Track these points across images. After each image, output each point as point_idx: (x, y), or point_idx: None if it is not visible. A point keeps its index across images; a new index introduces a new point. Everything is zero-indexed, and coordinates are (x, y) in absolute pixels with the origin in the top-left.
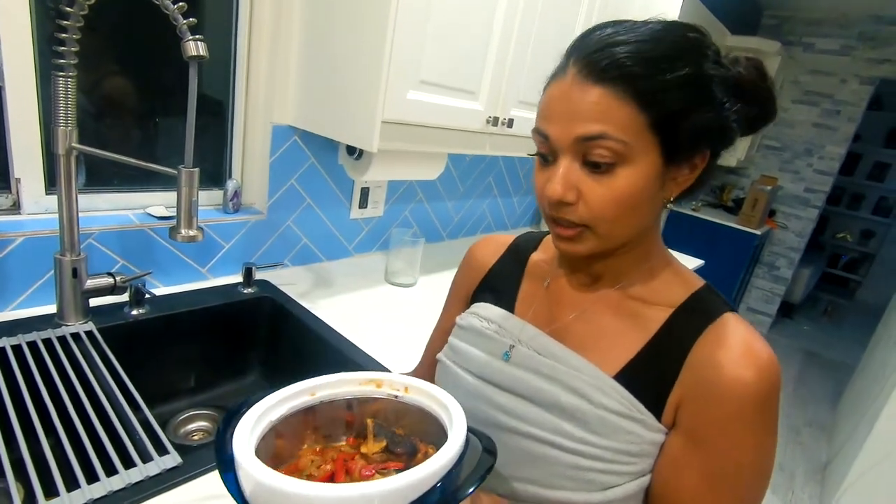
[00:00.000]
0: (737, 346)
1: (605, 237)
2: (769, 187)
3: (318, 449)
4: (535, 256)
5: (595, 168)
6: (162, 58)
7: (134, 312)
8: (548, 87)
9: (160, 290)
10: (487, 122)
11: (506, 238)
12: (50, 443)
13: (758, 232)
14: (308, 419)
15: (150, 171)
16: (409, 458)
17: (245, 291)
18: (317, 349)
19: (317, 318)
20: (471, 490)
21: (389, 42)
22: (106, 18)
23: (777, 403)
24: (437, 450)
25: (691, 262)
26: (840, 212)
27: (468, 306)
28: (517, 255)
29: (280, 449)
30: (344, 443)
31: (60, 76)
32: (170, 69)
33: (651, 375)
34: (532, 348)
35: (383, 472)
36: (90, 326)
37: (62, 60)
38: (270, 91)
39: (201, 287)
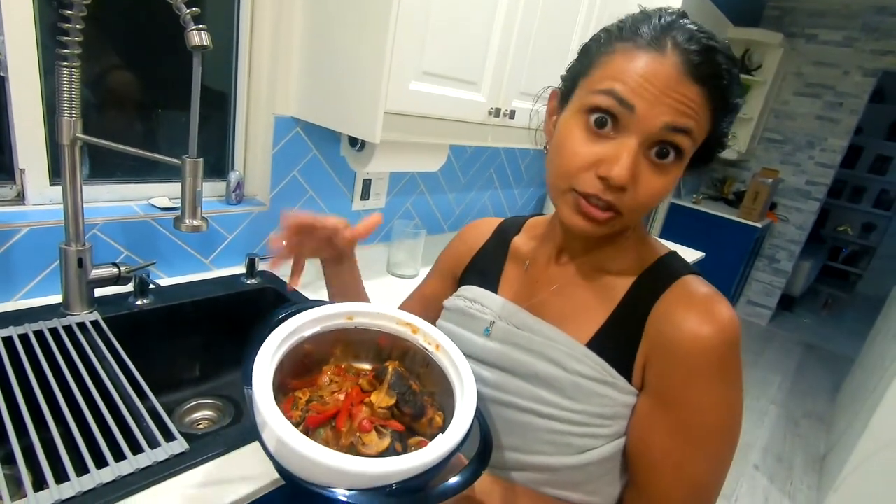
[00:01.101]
0: (694, 304)
1: (627, 223)
2: (770, 180)
3: (342, 367)
4: (518, 240)
5: (660, 159)
6: (165, 48)
7: (139, 302)
8: (621, 51)
9: (164, 281)
10: (489, 113)
11: (494, 221)
12: (59, 430)
13: (759, 225)
14: (341, 336)
15: (153, 161)
16: (414, 420)
17: (248, 282)
18: None
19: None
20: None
21: (392, 32)
22: (109, 8)
23: (738, 359)
24: (444, 418)
25: (692, 255)
26: (841, 205)
27: (456, 286)
28: (502, 239)
29: (306, 359)
30: (369, 368)
31: (64, 66)
32: (173, 60)
33: (619, 340)
34: (511, 323)
35: (380, 430)
36: (95, 316)
37: (66, 50)
38: (272, 82)
39: (205, 278)
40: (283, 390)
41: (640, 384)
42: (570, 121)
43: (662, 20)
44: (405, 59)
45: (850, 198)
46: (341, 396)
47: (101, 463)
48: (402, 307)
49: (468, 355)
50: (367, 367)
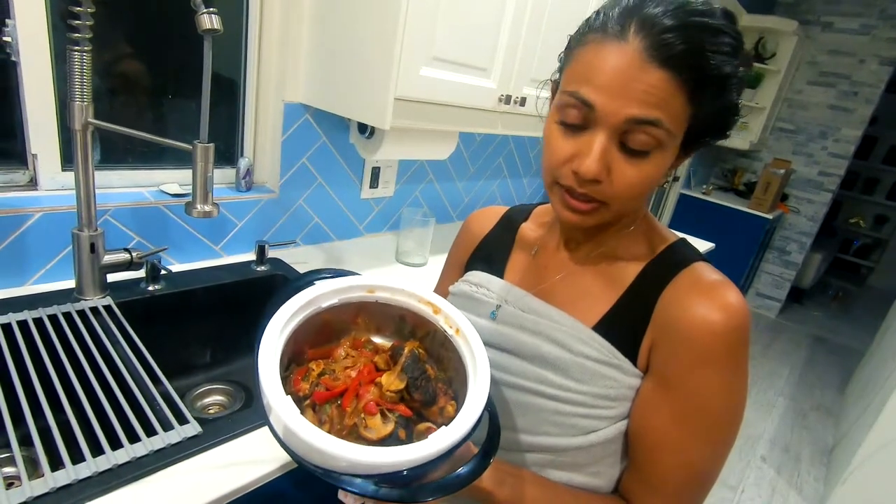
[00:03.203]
0: (705, 289)
1: (616, 213)
2: (782, 171)
3: (361, 340)
4: (526, 227)
5: (631, 150)
6: (176, 34)
7: (150, 288)
8: (591, 43)
9: (175, 267)
10: (500, 100)
11: (500, 209)
12: (74, 412)
13: (769, 216)
14: (363, 307)
15: (164, 147)
16: (424, 406)
17: (258, 269)
18: None
19: None
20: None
21: (403, 16)
22: None
23: (746, 347)
24: (456, 407)
25: (701, 246)
26: (854, 196)
27: (462, 274)
28: (509, 226)
29: (326, 328)
30: (388, 345)
31: (76, 51)
32: (184, 46)
33: (626, 323)
34: (517, 307)
35: (385, 414)
36: (108, 301)
37: (77, 35)
38: (282, 68)
39: (215, 264)
40: (298, 359)
41: (645, 367)
42: (551, 116)
43: (630, 3)
44: (415, 44)
45: (864, 189)
46: (353, 373)
47: (115, 445)
48: None
49: None
50: (386, 343)
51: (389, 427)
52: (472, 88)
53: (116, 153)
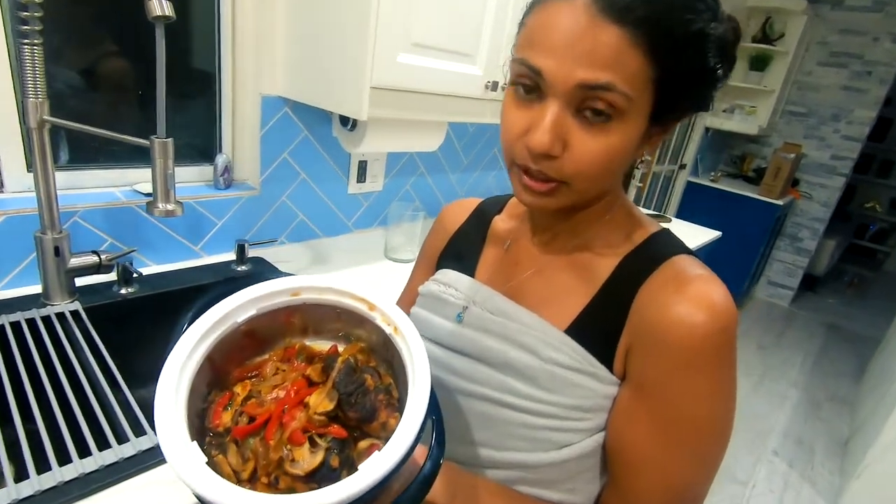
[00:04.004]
0: (684, 286)
1: (580, 194)
2: (792, 155)
3: (296, 347)
4: (498, 219)
5: (589, 120)
6: (147, 26)
7: (123, 291)
8: (540, 4)
9: (152, 269)
10: (486, 87)
11: (473, 202)
12: (24, 426)
13: (780, 202)
14: (292, 312)
15: (133, 145)
16: (363, 423)
17: (238, 269)
18: None
19: None
20: None
21: (376, 1)
22: None
23: (733, 349)
24: (399, 420)
25: (708, 235)
26: (869, 180)
27: (433, 272)
28: (481, 219)
29: (252, 341)
30: (325, 349)
31: (26, 45)
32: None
33: (600, 326)
34: (485, 308)
35: (315, 441)
36: (76, 306)
37: (26, 27)
38: (258, 60)
39: (194, 265)
40: (221, 382)
41: (622, 373)
42: (507, 90)
43: None
44: (391, 29)
45: (879, 173)
46: (282, 393)
47: (63, 460)
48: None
49: (439, 343)
50: (324, 346)
51: (318, 457)
52: (456, 76)
53: (87, 152)
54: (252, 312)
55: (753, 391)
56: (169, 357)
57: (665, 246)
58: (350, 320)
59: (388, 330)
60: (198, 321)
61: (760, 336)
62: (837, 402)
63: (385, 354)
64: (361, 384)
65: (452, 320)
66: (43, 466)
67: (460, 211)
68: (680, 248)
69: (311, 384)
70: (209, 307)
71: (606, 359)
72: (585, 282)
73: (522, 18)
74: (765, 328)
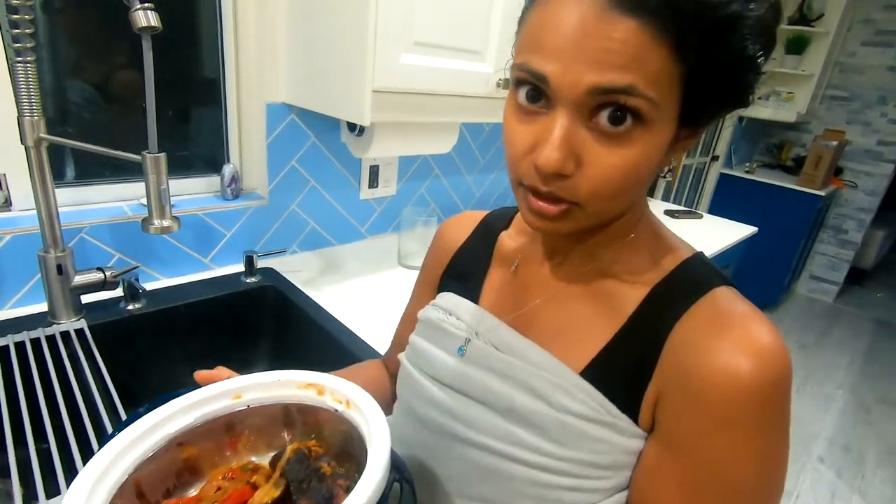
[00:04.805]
0: (730, 328)
1: (596, 215)
2: (835, 142)
3: (241, 464)
4: (506, 235)
5: (605, 131)
6: (155, 38)
7: (130, 307)
8: (541, 1)
9: (162, 283)
10: (498, 85)
11: (477, 214)
12: (20, 451)
13: (822, 193)
14: (234, 421)
15: (131, 161)
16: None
17: (247, 280)
18: (317, 339)
19: (319, 306)
20: None
21: (374, 0)
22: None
23: (786, 402)
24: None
25: (743, 231)
26: None
27: (435, 295)
28: (487, 235)
29: (187, 470)
30: (282, 453)
31: (19, 63)
32: (165, 54)
33: (624, 368)
34: (489, 342)
35: None
36: (82, 324)
37: (18, 45)
38: (261, 67)
39: (202, 278)
40: None
41: (649, 424)
42: (508, 98)
43: None
44: (392, 29)
45: None
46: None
47: (52, 491)
48: (395, 335)
49: (438, 379)
50: (280, 452)
51: None
52: (464, 74)
53: (94, 167)
54: (189, 421)
55: (796, 394)
56: (79, 475)
57: (702, 275)
58: (304, 423)
59: (339, 408)
60: (121, 433)
61: (802, 335)
62: (889, 405)
63: (338, 445)
64: (316, 470)
65: (454, 354)
66: (52, 490)
67: (462, 226)
68: (718, 277)
69: (255, 489)
70: (140, 417)
71: (630, 407)
72: (606, 314)
73: (522, 14)
74: (807, 326)
